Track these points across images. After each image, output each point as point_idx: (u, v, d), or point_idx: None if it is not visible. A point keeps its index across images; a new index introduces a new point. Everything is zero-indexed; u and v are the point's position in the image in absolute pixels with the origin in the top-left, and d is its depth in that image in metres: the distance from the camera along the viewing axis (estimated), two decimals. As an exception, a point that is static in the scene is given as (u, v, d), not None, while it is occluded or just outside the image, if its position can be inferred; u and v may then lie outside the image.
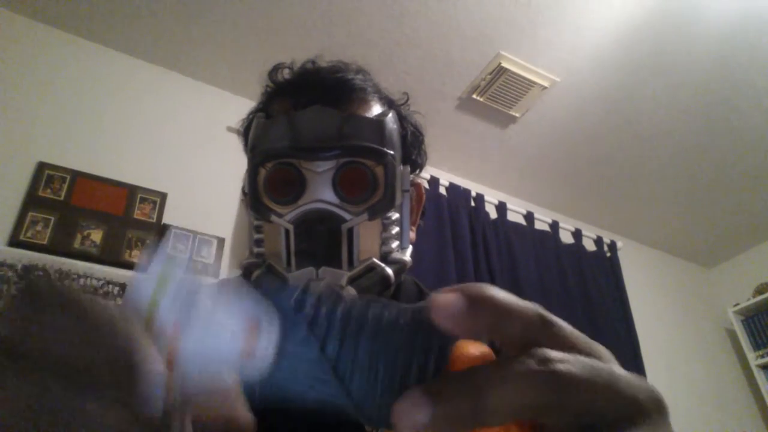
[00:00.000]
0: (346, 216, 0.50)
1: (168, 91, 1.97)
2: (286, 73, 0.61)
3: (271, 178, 0.52)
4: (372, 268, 0.50)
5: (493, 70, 1.98)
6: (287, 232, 0.50)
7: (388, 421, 0.19)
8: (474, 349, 0.20)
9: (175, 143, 1.88)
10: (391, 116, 0.55)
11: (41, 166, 1.61)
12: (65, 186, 1.62)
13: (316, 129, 0.51)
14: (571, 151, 2.39)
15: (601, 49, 1.93)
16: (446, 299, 0.19)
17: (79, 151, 1.70)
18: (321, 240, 0.50)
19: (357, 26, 1.84)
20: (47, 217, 1.56)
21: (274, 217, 0.51)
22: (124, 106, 1.86)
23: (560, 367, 0.18)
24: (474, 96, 2.10)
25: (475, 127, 2.26)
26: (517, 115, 2.19)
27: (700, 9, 1.78)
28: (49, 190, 1.60)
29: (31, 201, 1.56)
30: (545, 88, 2.05)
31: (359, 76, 0.58)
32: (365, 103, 0.57)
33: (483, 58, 1.96)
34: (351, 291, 0.47)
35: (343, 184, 0.51)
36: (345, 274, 0.49)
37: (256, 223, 0.53)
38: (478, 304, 0.19)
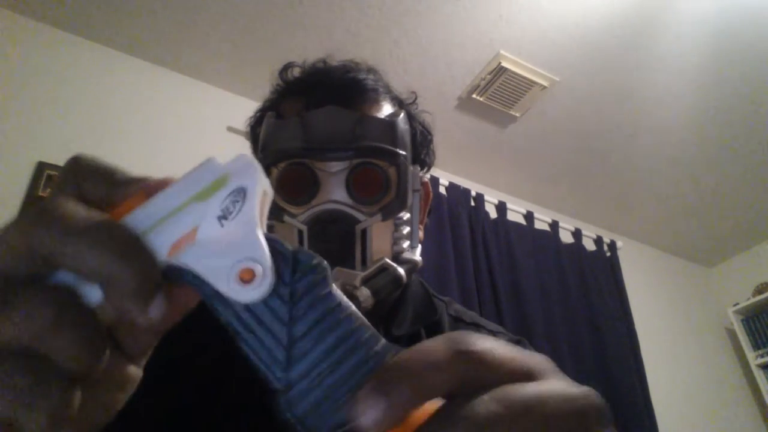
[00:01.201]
0: (360, 217, 0.50)
1: (168, 91, 1.97)
2: (296, 72, 0.61)
3: (283, 178, 0.52)
4: (384, 269, 0.50)
5: (493, 70, 1.98)
6: (300, 232, 0.50)
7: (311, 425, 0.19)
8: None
9: (175, 143, 1.88)
10: (402, 116, 0.55)
11: (41, 166, 1.61)
12: (65, 186, 1.62)
13: (329, 129, 0.51)
14: (571, 150, 2.39)
15: (601, 49, 1.93)
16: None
17: (79, 151, 1.70)
18: (335, 241, 0.50)
19: (357, 26, 1.84)
20: (47, 217, 1.56)
21: (287, 218, 0.51)
22: (125, 105, 1.86)
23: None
24: (474, 96, 2.10)
25: (475, 126, 2.26)
26: (517, 114, 2.19)
27: (698, 7, 1.78)
28: (49, 190, 1.60)
29: (31, 201, 1.56)
30: (545, 87, 2.05)
31: (371, 76, 0.58)
32: (377, 104, 0.57)
33: (483, 58, 1.96)
34: (365, 291, 0.47)
35: (356, 185, 0.51)
36: (359, 275, 0.49)
37: (267, 223, 0.53)
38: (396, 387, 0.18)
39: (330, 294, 0.21)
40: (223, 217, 0.21)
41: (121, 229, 0.20)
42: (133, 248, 0.19)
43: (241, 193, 0.21)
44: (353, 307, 0.21)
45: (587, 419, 0.18)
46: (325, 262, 0.21)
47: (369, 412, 0.17)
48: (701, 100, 2.15)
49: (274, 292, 0.20)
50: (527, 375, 0.19)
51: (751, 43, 1.91)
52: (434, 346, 0.19)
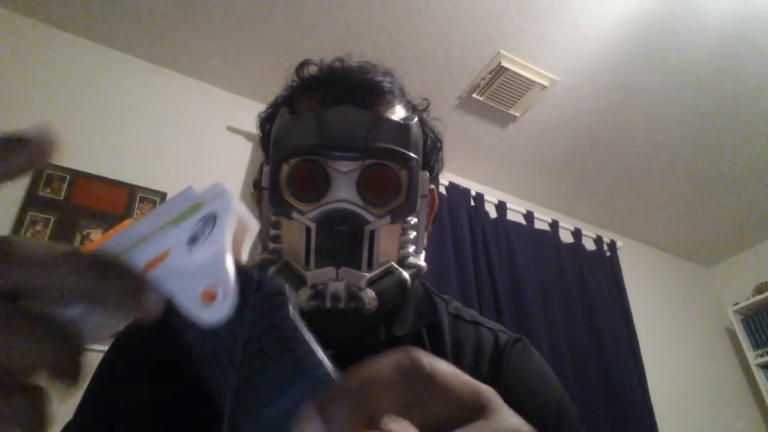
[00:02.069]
0: (369, 218, 0.50)
1: (168, 91, 1.97)
2: (312, 70, 0.60)
3: (294, 175, 0.51)
4: (390, 272, 0.50)
5: (493, 70, 1.98)
6: (308, 230, 0.50)
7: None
8: None
9: (175, 143, 1.88)
10: (415, 121, 0.55)
11: (41, 166, 1.60)
12: (65, 185, 1.62)
13: (344, 128, 0.50)
14: (570, 150, 2.39)
15: (600, 48, 1.93)
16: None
17: (79, 151, 1.70)
18: (343, 240, 0.49)
19: (357, 26, 1.84)
20: (47, 216, 1.56)
21: (295, 214, 0.50)
22: (124, 105, 1.86)
23: None
24: (474, 95, 2.10)
25: (475, 126, 2.26)
26: (517, 114, 2.19)
27: (699, 8, 1.78)
28: (48, 190, 1.60)
29: (31, 200, 1.56)
30: (545, 87, 2.05)
31: (387, 79, 0.58)
32: (392, 107, 0.57)
33: (483, 58, 1.96)
34: (369, 293, 0.47)
35: (367, 186, 0.51)
36: (365, 276, 0.48)
37: (274, 219, 0.53)
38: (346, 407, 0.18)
39: (288, 318, 0.21)
40: (193, 240, 0.22)
41: (91, 252, 0.20)
42: (106, 262, 0.20)
43: (211, 219, 0.22)
44: (309, 334, 0.21)
45: None
46: (289, 289, 0.22)
47: None
48: (701, 100, 2.14)
49: (235, 315, 0.21)
50: (475, 404, 0.19)
51: (752, 42, 1.91)
52: (383, 364, 0.18)
